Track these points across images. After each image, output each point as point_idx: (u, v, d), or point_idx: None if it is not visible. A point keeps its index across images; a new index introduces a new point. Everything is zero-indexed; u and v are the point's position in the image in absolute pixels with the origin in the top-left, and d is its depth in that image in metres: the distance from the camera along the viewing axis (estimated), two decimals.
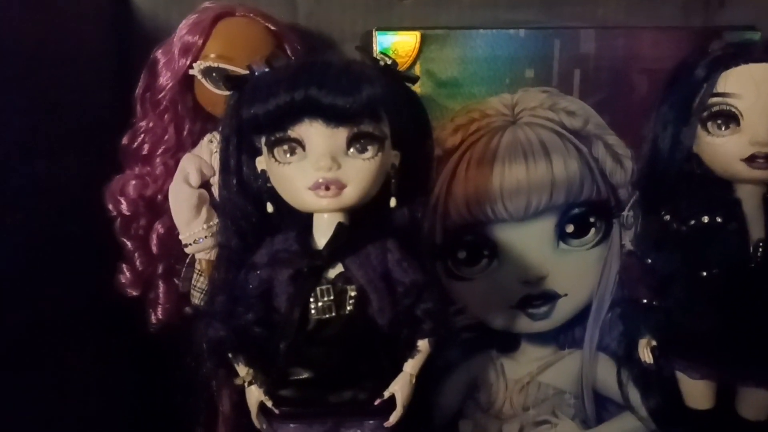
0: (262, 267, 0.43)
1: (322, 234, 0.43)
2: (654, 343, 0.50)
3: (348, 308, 0.42)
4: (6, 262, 0.51)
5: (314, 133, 0.41)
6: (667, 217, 0.49)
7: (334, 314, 0.42)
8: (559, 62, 0.58)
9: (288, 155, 0.42)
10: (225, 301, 0.43)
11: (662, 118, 0.50)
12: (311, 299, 0.42)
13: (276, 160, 0.42)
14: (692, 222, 0.48)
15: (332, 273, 0.42)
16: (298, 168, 0.41)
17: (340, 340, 0.42)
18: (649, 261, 0.49)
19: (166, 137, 0.58)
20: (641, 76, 0.58)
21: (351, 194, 0.42)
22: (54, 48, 0.57)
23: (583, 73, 0.59)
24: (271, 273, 0.42)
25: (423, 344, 0.43)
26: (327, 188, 0.41)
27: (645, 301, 0.49)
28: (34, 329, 0.53)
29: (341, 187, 0.41)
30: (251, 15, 0.57)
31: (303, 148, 0.41)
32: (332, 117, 0.40)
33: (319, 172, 0.41)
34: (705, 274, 0.47)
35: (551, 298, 0.61)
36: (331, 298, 0.41)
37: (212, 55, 0.56)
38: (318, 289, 0.42)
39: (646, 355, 0.50)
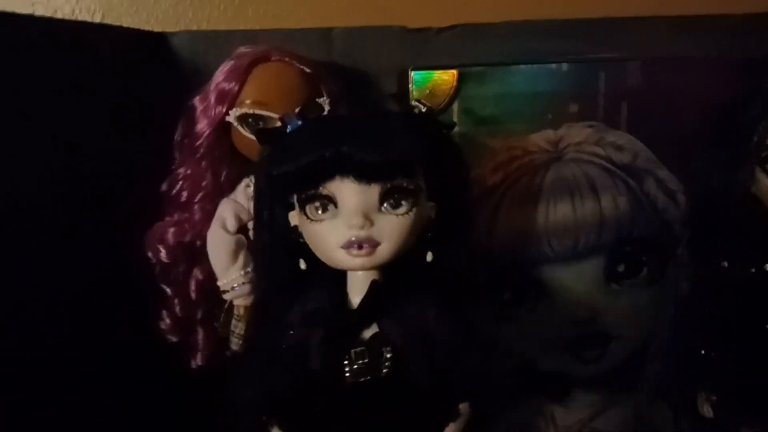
0: (295, 327, 0.41)
1: (356, 292, 0.42)
2: (714, 397, 0.47)
3: (384, 371, 0.40)
4: (48, 311, 0.51)
5: (346, 190, 0.40)
6: (725, 264, 0.46)
7: (369, 377, 0.40)
8: (604, 96, 0.56)
9: (320, 212, 0.41)
10: (258, 361, 0.42)
11: (715, 158, 0.47)
12: (345, 362, 0.40)
13: (308, 217, 0.41)
14: (753, 270, 0.44)
15: (367, 333, 0.41)
16: (330, 226, 0.40)
17: (377, 405, 0.40)
18: (707, 310, 0.46)
19: (204, 183, 0.59)
20: (691, 110, 0.55)
21: (385, 252, 0.40)
22: (93, 95, 0.57)
23: (631, 106, 0.56)
24: (304, 333, 0.41)
25: (464, 408, 0.41)
26: (360, 247, 0.39)
27: (703, 352, 0.46)
28: (80, 377, 0.54)
29: (375, 245, 0.40)
30: (286, 59, 0.57)
31: (335, 205, 0.40)
32: (364, 174, 0.39)
33: (352, 230, 0.39)
34: None
35: (603, 340, 0.57)
36: (366, 360, 0.40)
37: (248, 102, 0.56)
38: (352, 351, 0.40)
39: (706, 410, 0.47)
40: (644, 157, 0.56)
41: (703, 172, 0.48)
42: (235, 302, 0.58)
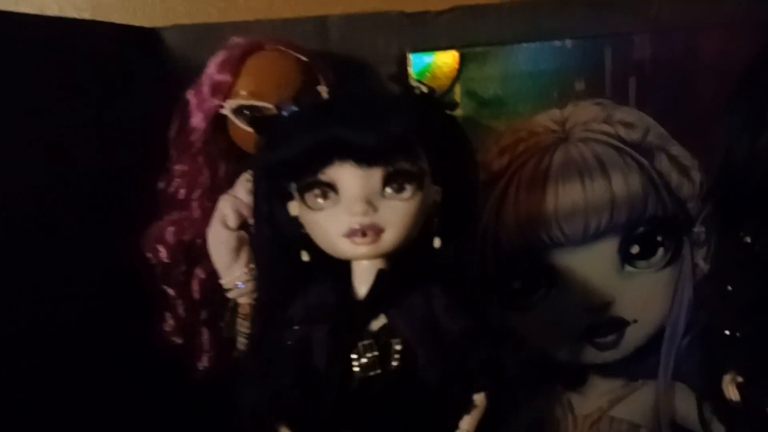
0: (298, 322, 0.40)
1: (362, 282, 0.40)
2: (740, 379, 0.44)
3: (393, 363, 0.38)
4: (47, 317, 0.50)
5: (346, 175, 0.38)
6: (748, 239, 0.43)
7: (379, 371, 0.38)
8: (611, 71, 0.54)
9: (320, 200, 0.39)
10: (260, 361, 0.40)
11: (736, 126, 0.45)
12: (353, 356, 0.39)
13: (308, 206, 0.39)
14: None
15: (375, 325, 0.39)
16: (332, 214, 0.39)
17: (387, 400, 0.38)
18: (730, 288, 0.44)
19: (202, 179, 0.57)
20: (705, 79, 0.53)
21: (390, 239, 0.38)
22: (84, 94, 0.56)
23: (639, 81, 0.54)
24: (308, 329, 0.39)
25: (479, 398, 0.39)
26: (363, 234, 0.38)
27: (727, 332, 0.44)
28: (84, 381, 0.52)
29: (379, 232, 0.38)
30: (281, 47, 0.55)
31: (335, 191, 0.39)
32: (363, 157, 0.37)
33: (354, 217, 0.38)
34: None
35: (619, 325, 0.56)
36: (375, 353, 0.38)
37: (243, 93, 0.54)
38: (360, 344, 0.38)
39: (732, 393, 0.45)
40: (655, 134, 0.55)
41: (722, 142, 0.46)
42: (240, 300, 0.56)
